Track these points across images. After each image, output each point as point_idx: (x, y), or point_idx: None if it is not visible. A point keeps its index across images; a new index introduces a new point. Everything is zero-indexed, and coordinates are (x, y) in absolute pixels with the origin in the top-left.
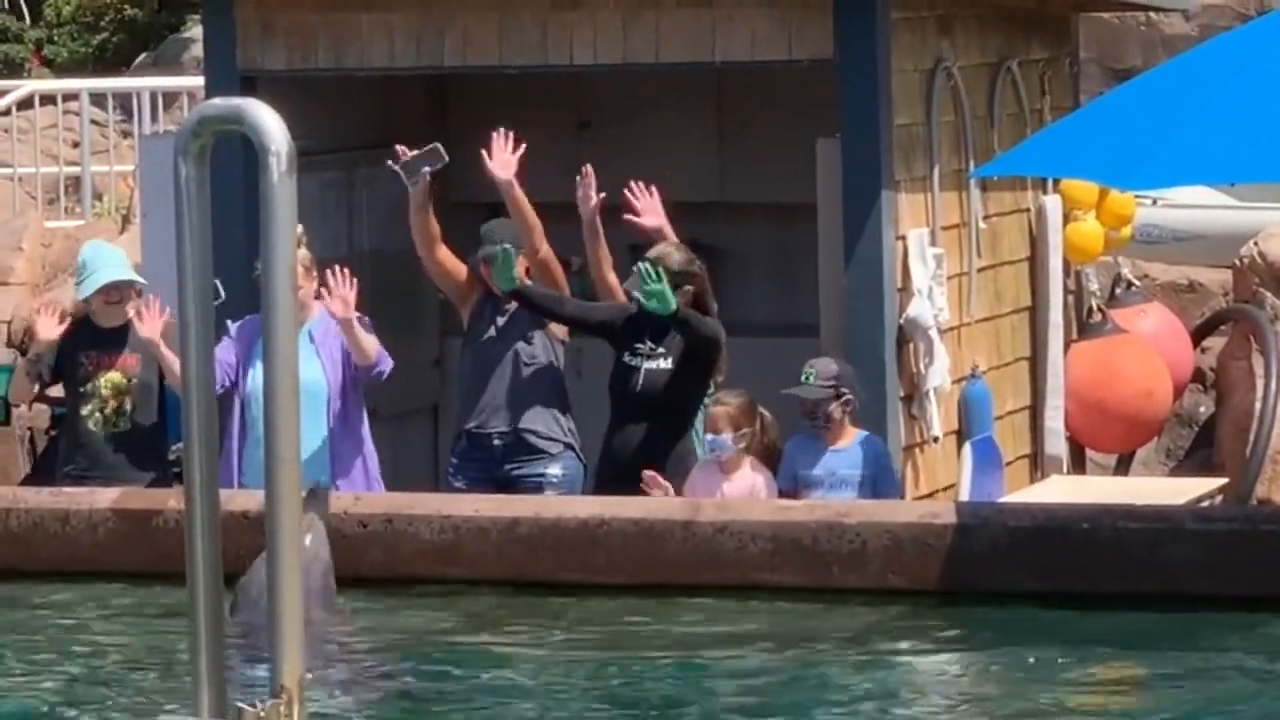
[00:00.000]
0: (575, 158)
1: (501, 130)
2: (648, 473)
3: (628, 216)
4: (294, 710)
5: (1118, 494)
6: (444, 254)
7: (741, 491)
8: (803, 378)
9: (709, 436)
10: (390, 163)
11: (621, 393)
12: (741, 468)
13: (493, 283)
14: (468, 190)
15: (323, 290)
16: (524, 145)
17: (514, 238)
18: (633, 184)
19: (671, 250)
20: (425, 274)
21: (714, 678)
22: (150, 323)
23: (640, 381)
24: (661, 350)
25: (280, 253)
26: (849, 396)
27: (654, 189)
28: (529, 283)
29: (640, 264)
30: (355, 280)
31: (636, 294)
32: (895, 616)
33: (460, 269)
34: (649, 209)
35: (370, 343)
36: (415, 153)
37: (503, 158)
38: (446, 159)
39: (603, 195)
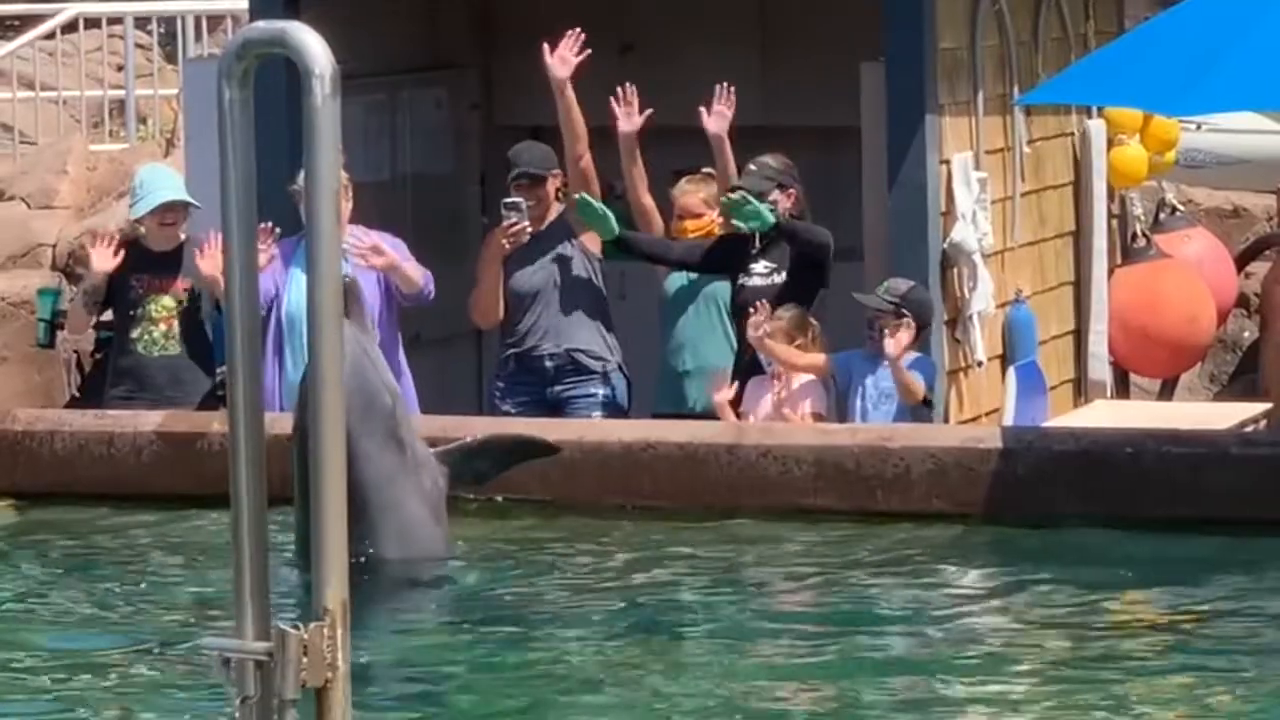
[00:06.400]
0: (617, 81)
1: (576, 31)
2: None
3: (703, 109)
4: (337, 633)
5: (1161, 419)
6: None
7: (791, 393)
8: (877, 289)
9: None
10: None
11: (745, 312)
12: (791, 375)
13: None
14: (512, 114)
15: (354, 256)
16: (588, 52)
17: (543, 159)
18: (719, 87)
19: (768, 157)
20: (468, 196)
21: (755, 601)
22: (211, 259)
23: (758, 299)
24: (775, 265)
25: (324, 176)
26: (908, 319)
27: (732, 99)
28: (630, 233)
29: (724, 197)
30: (366, 233)
31: (736, 223)
32: (938, 540)
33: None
34: (721, 114)
35: (414, 270)
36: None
37: (564, 54)
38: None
39: (648, 113)
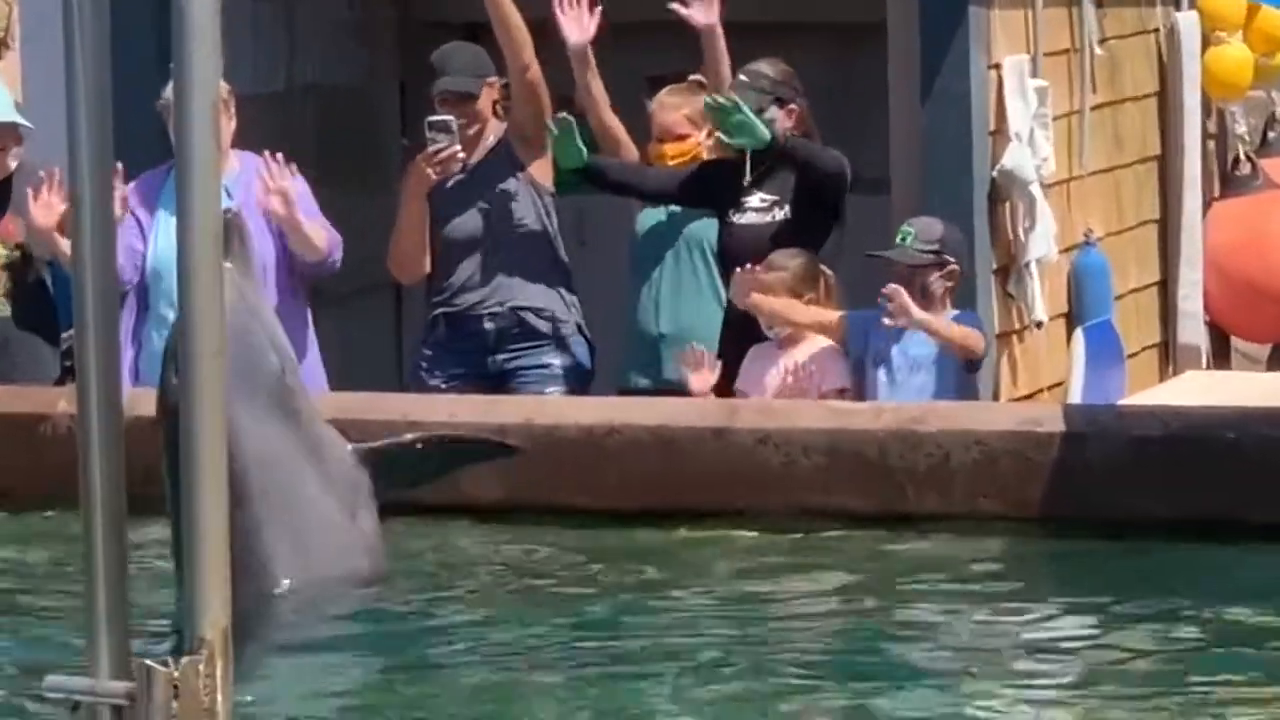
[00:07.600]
0: None
1: None
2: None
3: (673, 5)
4: (216, 668)
5: (1270, 394)
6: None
7: (806, 365)
8: (899, 238)
9: None
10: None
11: (735, 258)
12: (804, 339)
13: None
14: (437, 7)
15: (257, 183)
16: None
17: (474, 65)
18: None
19: (762, 64)
20: (384, 112)
21: (750, 628)
22: (44, 206)
23: (753, 241)
24: (775, 198)
25: (198, 87)
26: (954, 267)
27: None
28: (599, 158)
29: (708, 98)
30: (294, 167)
31: (720, 136)
32: (986, 551)
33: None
34: (706, 1)
35: (317, 233)
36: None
37: None
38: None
39: (599, 12)
